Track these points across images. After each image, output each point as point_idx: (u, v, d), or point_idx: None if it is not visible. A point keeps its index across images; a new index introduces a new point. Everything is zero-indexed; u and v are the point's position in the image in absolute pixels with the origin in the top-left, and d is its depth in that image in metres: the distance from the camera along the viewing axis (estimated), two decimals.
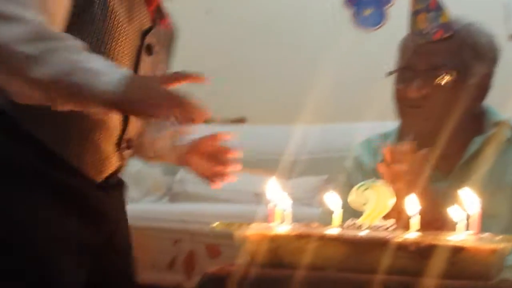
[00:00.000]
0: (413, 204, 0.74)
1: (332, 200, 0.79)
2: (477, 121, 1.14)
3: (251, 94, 2.83)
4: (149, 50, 0.89)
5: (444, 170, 1.12)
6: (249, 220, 0.79)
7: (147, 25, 0.90)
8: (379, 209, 0.76)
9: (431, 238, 0.66)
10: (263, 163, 2.44)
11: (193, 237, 1.89)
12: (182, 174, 2.39)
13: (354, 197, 0.77)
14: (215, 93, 2.80)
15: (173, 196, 2.36)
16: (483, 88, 1.13)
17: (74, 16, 0.79)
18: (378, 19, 2.80)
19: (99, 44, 0.80)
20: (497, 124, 1.12)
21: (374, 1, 2.85)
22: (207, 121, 2.39)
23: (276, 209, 0.78)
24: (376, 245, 0.67)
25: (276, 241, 0.70)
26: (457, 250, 0.65)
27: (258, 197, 2.27)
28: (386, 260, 0.66)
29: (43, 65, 0.67)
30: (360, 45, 2.65)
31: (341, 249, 0.68)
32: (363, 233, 0.69)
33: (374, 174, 1.18)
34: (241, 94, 2.85)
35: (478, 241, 0.67)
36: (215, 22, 2.90)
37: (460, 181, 1.09)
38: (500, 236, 0.69)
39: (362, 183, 0.78)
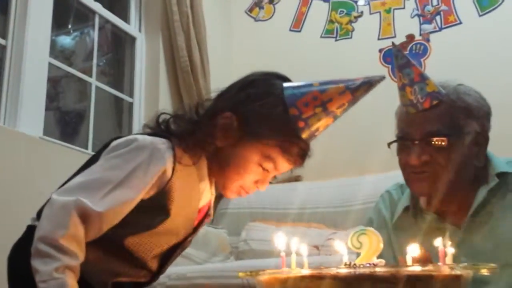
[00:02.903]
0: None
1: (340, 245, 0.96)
2: (481, 173, 1.20)
3: None
4: (183, 246, 1.11)
5: (457, 223, 1.21)
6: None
7: (190, 231, 1.10)
8: (372, 252, 0.92)
9: (405, 270, 0.82)
10: (318, 216, 2.62)
11: None
12: (246, 233, 2.60)
13: (350, 241, 0.94)
14: None
15: (239, 254, 2.54)
16: (481, 143, 1.20)
17: (136, 211, 0.99)
18: None
19: (140, 235, 1.02)
20: (500, 175, 1.18)
21: (410, 55, 3.04)
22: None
23: (291, 257, 0.96)
24: (363, 279, 0.83)
25: (285, 283, 0.87)
26: (427, 278, 0.80)
27: (318, 249, 2.43)
28: None
29: (36, 261, 0.88)
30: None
31: (337, 285, 0.85)
32: (353, 270, 0.85)
33: (393, 227, 1.30)
34: None
35: (444, 269, 0.81)
36: None
37: (473, 232, 1.19)
38: (462, 264, 0.83)
39: (356, 229, 0.95)
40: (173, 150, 1.01)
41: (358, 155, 2.86)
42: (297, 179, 3.01)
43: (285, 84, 1.07)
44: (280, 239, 0.94)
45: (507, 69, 2.80)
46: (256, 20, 3.44)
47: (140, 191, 0.97)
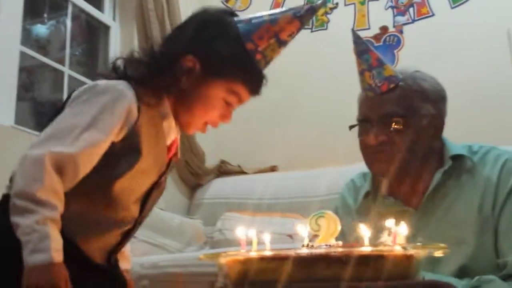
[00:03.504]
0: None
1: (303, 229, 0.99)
2: (437, 156, 1.25)
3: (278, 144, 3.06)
4: (159, 185, 1.13)
5: (414, 204, 1.25)
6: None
7: (163, 169, 1.13)
8: (330, 233, 0.95)
9: (357, 250, 0.85)
10: (293, 206, 2.65)
11: None
12: (222, 223, 2.62)
13: (309, 224, 0.96)
14: (249, 146, 3.09)
15: (214, 244, 2.56)
16: (436, 126, 1.25)
17: (111, 155, 1.01)
18: (390, 63, 3.01)
19: (122, 178, 1.03)
20: (454, 157, 1.23)
21: (384, 46, 3.08)
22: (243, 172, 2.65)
23: (252, 239, 0.98)
24: (318, 259, 0.85)
25: (245, 264, 0.90)
26: (379, 257, 0.83)
27: (292, 238, 2.46)
28: (326, 270, 0.85)
29: (15, 217, 0.90)
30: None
31: (293, 265, 0.87)
32: (308, 251, 0.88)
33: (356, 213, 1.34)
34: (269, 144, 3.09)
35: (396, 249, 0.85)
36: None
37: (429, 212, 1.23)
38: (413, 244, 0.86)
39: (315, 212, 0.98)
40: (134, 90, 1.04)
41: (332, 146, 2.89)
42: (272, 169, 3.04)
43: (237, 20, 1.12)
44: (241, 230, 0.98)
45: (478, 61, 2.85)
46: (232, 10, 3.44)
47: (108, 132, 0.99)
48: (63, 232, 0.93)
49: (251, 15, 1.11)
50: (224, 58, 1.09)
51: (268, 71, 1.15)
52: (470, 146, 1.29)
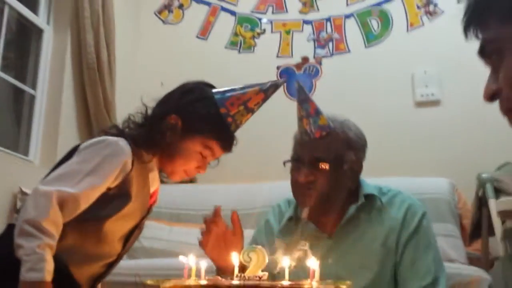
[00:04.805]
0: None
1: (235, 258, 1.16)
2: (353, 194, 1.48)
3: None
4: (140, 226, 1.35)
5: (329, 232, 1.48)
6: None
7: (145, 213, 1.35)
8: (258, 266, 1.14)
9: (281, 284, 1.03)
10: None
11: None
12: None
13: (242, 257, 1.14)
14: None
15: (130, 251, 2.63)
16: (355, 170, 1.47)
17: (106, 198, 1.23)
18: (307, 90, 3.27)
19: (111, 218, 1.26)
20: (367, 196, 1.48)
21: (304, 75, 3.34)
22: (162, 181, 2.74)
23: (192, 267, 1.14)
24: None
25: None
26: None
27: None
28: None
29: (20, 239, 1.09)
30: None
31: None
32: (242, 282, 1.06)
33: (278, 233, 1.53)
34: None
35: (311, 284, 1.05)
36: None
37: (341, 240, 1.46)
38: (326, 281, 1.07)
39: (248, 247, 1.15)
40: (131, 147, 1.28)
41: (252, 163, 3.08)
42: (192, 180, 3.17)
43: (214, 90, 1.36)
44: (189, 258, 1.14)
45: (385, 99, 3.19)
46: (164, 22, 3.54)
47: (106, 178, 1.22)
48: (59, 259, 1.12)
49: (226, 88, 1.35)
50: (202, 117, 1.33)
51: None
52: (380, 188, 1.54)
